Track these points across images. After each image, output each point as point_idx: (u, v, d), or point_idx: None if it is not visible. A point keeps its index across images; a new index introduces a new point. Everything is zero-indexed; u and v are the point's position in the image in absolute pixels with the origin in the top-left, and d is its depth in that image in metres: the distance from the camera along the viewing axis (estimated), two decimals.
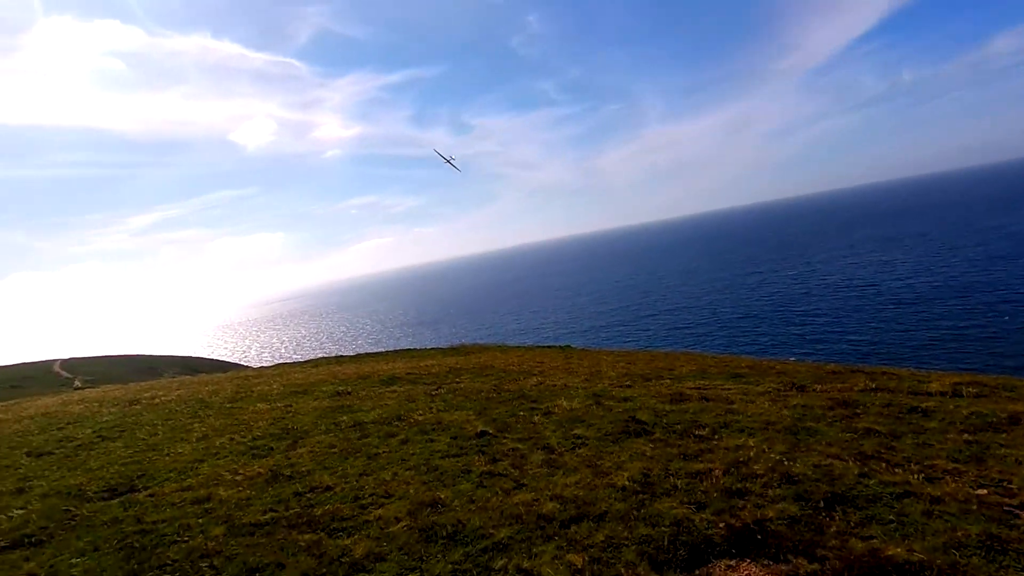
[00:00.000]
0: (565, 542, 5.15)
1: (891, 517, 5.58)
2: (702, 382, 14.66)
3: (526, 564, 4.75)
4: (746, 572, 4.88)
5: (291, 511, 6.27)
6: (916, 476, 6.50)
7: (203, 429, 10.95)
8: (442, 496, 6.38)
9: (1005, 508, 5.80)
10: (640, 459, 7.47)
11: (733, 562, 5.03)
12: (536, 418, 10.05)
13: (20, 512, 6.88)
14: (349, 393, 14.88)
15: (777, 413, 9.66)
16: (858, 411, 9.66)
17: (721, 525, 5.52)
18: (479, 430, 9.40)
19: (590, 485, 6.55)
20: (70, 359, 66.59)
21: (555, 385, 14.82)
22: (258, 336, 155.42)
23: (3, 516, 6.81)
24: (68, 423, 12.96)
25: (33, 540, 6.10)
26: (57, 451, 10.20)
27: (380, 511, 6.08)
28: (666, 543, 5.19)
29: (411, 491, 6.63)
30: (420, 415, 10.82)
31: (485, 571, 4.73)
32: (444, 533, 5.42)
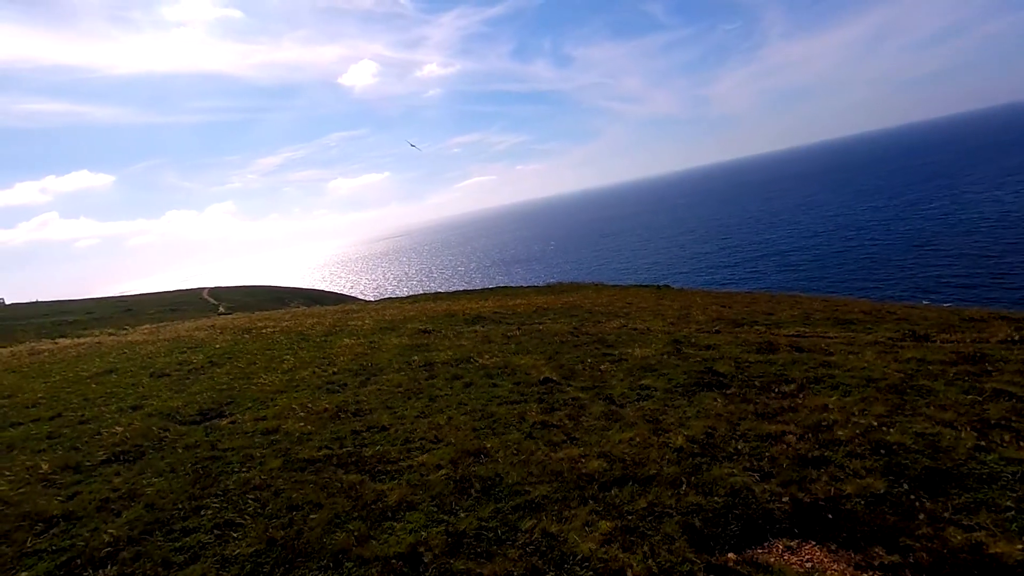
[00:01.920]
0: (602, 506, 4.83)
1: (1009, 504, 4.61)
2: (802, 329, 13.28)
3: (553, 528, 4.51)
4: (808, 556, 4.28)
5: (344, 449, 6.53)
6: None
7: (293, 361, 11.80)
8: (488, 445, 6.28)
9: None
10: (707, 416, 6.85)
11: (794, 543, 4.43)
12: (605, 365, 9.62)
13: (125, 429, 7.84)
14: (431, 332, 15.30)
15: (883, 368, 8.44)
16: (989, 368, 8.17)
17: (786, 499, 4.89)
18: (543, 376, 9.19)
19: (645, 443, 6.11)
20: (215, 288, 75.62)
21: (637, 329, 14.17)
22: (370, 272, 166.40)
23: (112, 431, 7.82)
24: (190, 348, 14.63)
25: (129, 456, 6.94)
26: (174, 373, 11.54)
27: (425, 456, 6.12)
28: (716, 515, 4.69)
29: (460, 437, 6.61)
30: (490, 358, 10.81)
31: (511, 531, 4.56)
32: (480, 486, 5.32)
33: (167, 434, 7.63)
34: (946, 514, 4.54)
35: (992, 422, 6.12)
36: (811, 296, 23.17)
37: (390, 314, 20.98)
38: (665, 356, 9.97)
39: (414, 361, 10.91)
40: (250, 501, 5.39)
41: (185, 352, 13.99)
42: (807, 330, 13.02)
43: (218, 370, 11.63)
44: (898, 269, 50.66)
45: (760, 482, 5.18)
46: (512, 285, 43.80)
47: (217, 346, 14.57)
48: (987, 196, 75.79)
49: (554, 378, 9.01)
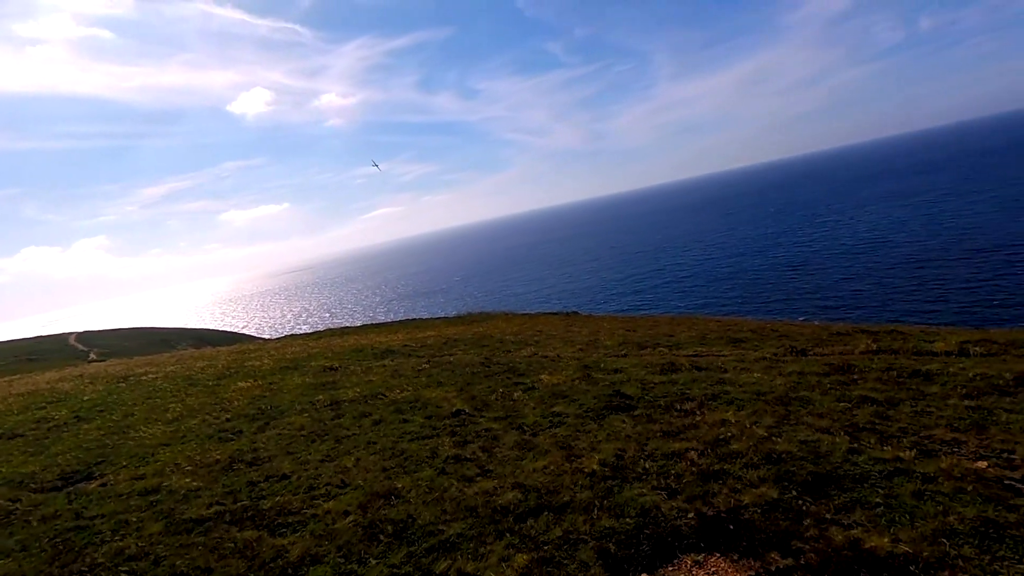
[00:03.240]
0: (518, 539, 4.76)
1: (878, 500, 5.11)
2: (700, 349, 14.17)
3: (469, 567, 4.37)
4: (713, 569, 4.46)
5: (238, 504, 5.97)
6: (910, 451, 5.99)
7: (180, 409, 10.73)
8: (399, 485, 6.02)
9: (1005, 482, 5.31)
10: (617, 439, 7.04)
11: (701, 557, 4.61)
12: (517, 394, 9.64)
13: None
14: (337, 369, 14.61)
15: (770, 382, 9.16)
16: (856, 377, 9.13)
17: (691, 514, 5.09)
18: (456, 408, 9.03)
19: (558, 470, 6.14)
20: (85, 332, 67.55)
21: (547, 356, 14.41)
22: (269, 308, 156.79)
23: None
24: (51, 402, 12.86)
25: None
26: (29, 433, 10.06)
27: (331, 503, 5.74)
28: (629, 537, 4.78)
29: (369, 479, 6.28)
30: (400, 392, 10.48)
31: (424, 575, 4.36)
32: (391, 530, 5.06)
33: (18, 505, 6.56)
34: (828, 515, 4.93)
35: (861, 426, 6.80)
36: (706, 317, 24.91)
37: (292, 352, 19.82)
38: (575, 382, 10.18)
39: (319, 401, 10.32)
40: (123, 574, 4.73)
41: (44, 407, 12.26)
42: (704, 350, 13.92)
43: (86, 425, 10.29)
44: (777, 290, 55.92)
45: (668, 500, 5.36)
46: (422, 317, 43.13)
47: (86, 398, 12.92)
48: (846, 224, 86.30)
49: (466, 410, 8.88)
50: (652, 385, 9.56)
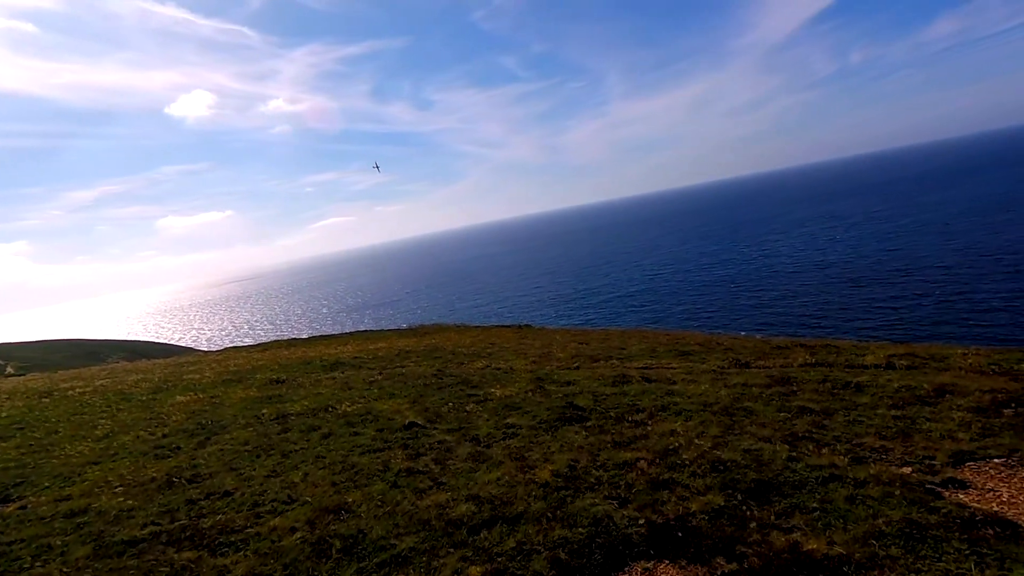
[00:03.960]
0: (471, 551, 4.73)
1: (815, 505, 5.37)
2: (650, 361, 14.53)
3: None
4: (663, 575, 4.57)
5: (176, 523, 5.66)
6: (843, 457, 6.35)
7: (110, 425, 10.09)
8: (350, 500, 5.87)
9: (927, 486, 5.70)
10: (570, 449, 7.12)
11: (651, 564, 4.71)
12: (470, 406, 9.61)
13: None
14: (284, 381, 14.13)
15: (716, 393, 9.50)
16: (795, 388, 9.59)
17: (641, 523, 5.20)
18: (408, 421, 8.90)
19: (512, 481, 6.15)
20: (2, 344, 62.56)
21: (500, 368, 14.43)
22: (211, 319, 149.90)
23: None
24: None
25: None
26: None
27: (277, 520, 5.53)
28: (581, 546, 4.83)
29: (318, 494, 6.10)
30: (350, 405, 10.23)
31: None
32: (341, 545, 4.93)
33: None
34: (770, 520, 5.15)
35: (799, 435, 7.15)
36: (656, 331, 25.56)
37: (236, 364, 19.04)
38: (529, 394, 10.24)
39: (264, 414, 9.95)
40: None
41: None
42: (654, 362, 14.28)
43: (3, 444, 9.53)
44: (723, 305, 58.08)
45: (619, 509, 5.46)
46: (374, 329, 42.34)
47: (3, 415, 11.97)
48: (785, 243, 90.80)
49: (419, 422, 8.77)
50: (604, 397, 9.73)
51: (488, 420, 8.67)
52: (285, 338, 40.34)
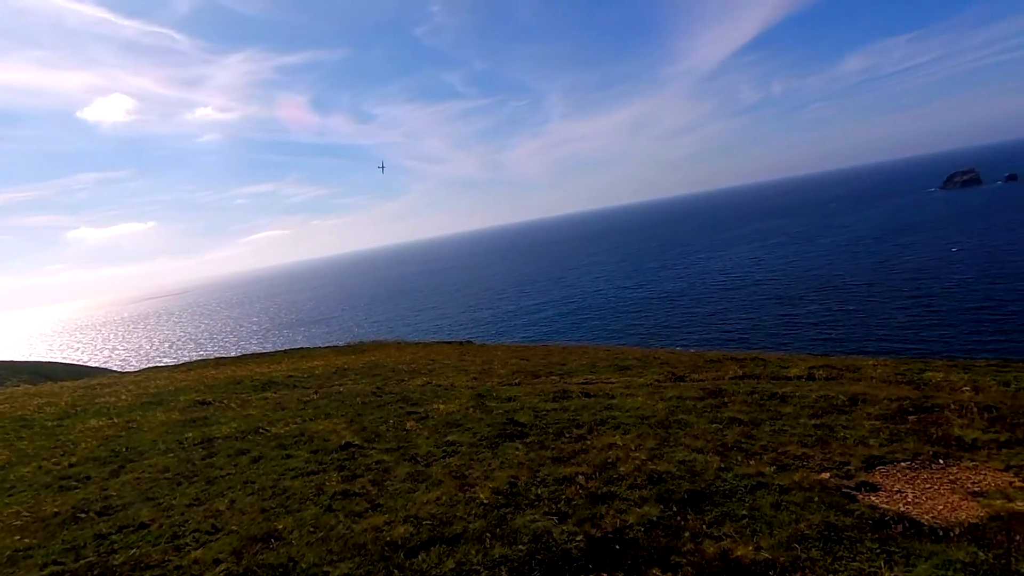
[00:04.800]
0: (409, 575, 4.60)
1: (744, 512, 5.60)
2: (589, 376, 14.76)
3: None
4: None
5: (82, 561, 5.18)
6: (769, 466, 6.66)
7: (7, 456, 9.16)
8: (280, 527, 5.58)
9: (843, 490, 6.07)
10: (510, 466, 7.10)
11: None
12: (410, 424, 9.41)
13: None
14: (210, 403, 13.34)
15: (652, 407, 9.75)
16: (726, 400, 10.00)
17: (580, 537, 5.24)
18: (344, 441, 8.61)
19: (452, 501, 6.05)
20: None
21: (441, 385, 14.25)
22: (128, 338, 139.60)
23: None
24: None
25: None
26: None
27: (199, 552, 5.18)
28: (521, 564, 4.81)
29: (245, 522, 5.76)
30: (283, 426, 9.79)
31: None
32: None
33: None
34: (703, 529, 5.32)
35: (730, 445, 7.46)
36: (596, 346, 26.09)
37: (156, 386, 17.82)
38: (470, 410, 10.15)
39: (188, 439, 9.34)
40: None
41: None
42: (594, 377, 14.53)
43: None
44: (659, 320, 60.08)
45: (559, 524, 5.48)
46: (309, 346, 40.82)
47: None
48: (716, 261, 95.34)
49: (356, 442, 8.50)
50: (544, 412, 9.79)
51: (428, 438, 8.52)
52: (212, 357, 38.20)
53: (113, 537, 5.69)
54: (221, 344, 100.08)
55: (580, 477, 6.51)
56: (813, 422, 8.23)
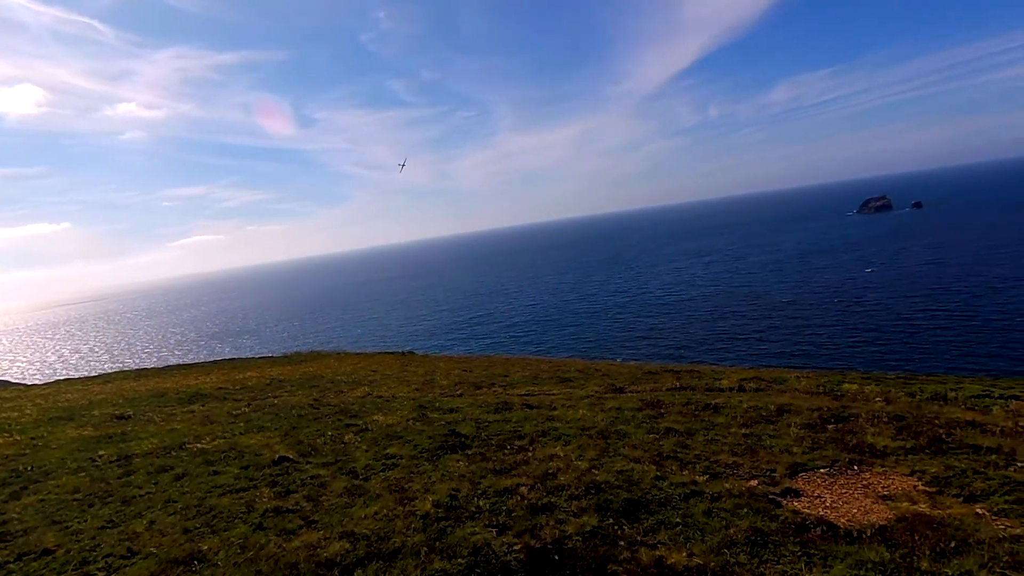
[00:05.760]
0: None
1: (678, 520, 5.78)
2: (532, 388, 14.86)
3: None
4: None
5: None
6: (702, 475, 6.92)
7: None
8: (204, 548, 5.27)
9: (770, 497, 6.38)
10: (451, 478, 7.03)
11: None
12: (348, 437, 9.15)
13: None
14: (129, 417, 12.47)
15: (593, 418, 9.93)
16: (663, 411, 10.32)
17: (519, 548, 5.24)
18: (278, 455, 8.25)
19: (390, 515, 5.91)
20: None
21: (382, 396, 13.95)
22: (35, 348, 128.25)
23: None
24: None
25: None
26: None
27: None
28: None
29: (166, 544, 5.40)
30: (211, 441, 9.27)
31: None
32: None
33: None
34: (639, 537, 5.45)
35: (666, 454, 7.69)
36: (539, 358, 26.33)
37: (67, 399, 16.50)
38: (411, 422, 9.99)
39: (102, 456, 8.67)
40: None
41: None
42: (536, 388, 14.64)
43: None
44: (601, 332, 61.32)
45: (499, 536, 5.47)
46: (242, 357, 38.98)
47: None
48: (656, 275, 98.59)
49: (291, 456, 8.17)
50: (486, 424, 9.77)
51: (367, 451, 8.30)
52: (133, 368, 35.72)
53: (11, 566, 5.18)
54: (138, 355, 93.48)
55: (522, 488, 6.53)
56: (743, 431, 8.63)
